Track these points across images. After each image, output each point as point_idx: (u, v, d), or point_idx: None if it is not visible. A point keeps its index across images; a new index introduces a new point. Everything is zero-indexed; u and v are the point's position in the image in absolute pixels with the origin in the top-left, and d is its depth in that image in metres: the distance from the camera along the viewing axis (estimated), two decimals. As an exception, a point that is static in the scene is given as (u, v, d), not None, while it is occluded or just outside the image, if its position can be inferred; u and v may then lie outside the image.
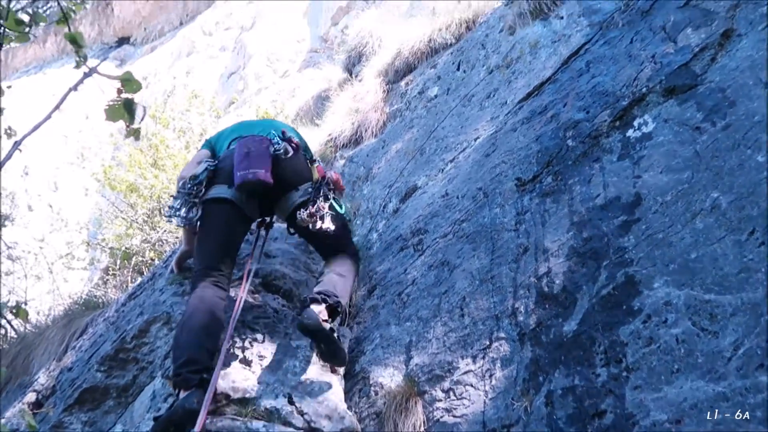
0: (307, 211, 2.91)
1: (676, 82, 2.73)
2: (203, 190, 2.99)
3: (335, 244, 3.12)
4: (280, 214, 3.19)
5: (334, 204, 3.03)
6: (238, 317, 2.82)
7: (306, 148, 3.45)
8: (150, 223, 7.33)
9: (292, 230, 3.20)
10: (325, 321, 2.71)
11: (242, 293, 2.93)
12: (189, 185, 2.97)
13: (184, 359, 2.51)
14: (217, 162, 3.08)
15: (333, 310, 2.81)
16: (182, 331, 2.64)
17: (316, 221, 2.90)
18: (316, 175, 3.12)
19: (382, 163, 4.83)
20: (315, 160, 3.28)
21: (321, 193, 2.99)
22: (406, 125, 4.99)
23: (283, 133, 3.10)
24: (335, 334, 2.78)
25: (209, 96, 10.98)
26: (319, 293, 2.81)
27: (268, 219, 3.32)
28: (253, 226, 3.31)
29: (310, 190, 3.06)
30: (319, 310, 2.71)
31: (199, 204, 2.97)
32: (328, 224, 2.91)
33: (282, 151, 2.96)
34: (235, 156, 2.94)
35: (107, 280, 7.07)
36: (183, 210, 2.96)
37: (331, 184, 3.10)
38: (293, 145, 3.06)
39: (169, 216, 2.98)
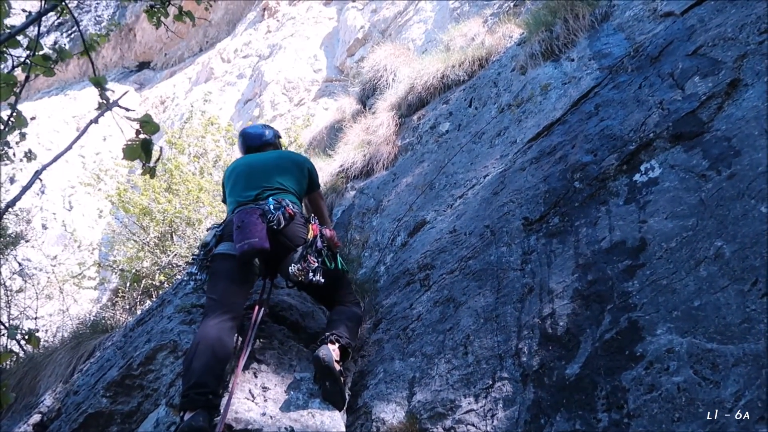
0: (297, 266, 3.09)
1: (683, 129, 2.77)
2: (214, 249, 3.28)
3: (333, 296, 3.31)
4: (282, 274, 3.34)
5: (326, 260, 3.21)
6: (249, 351, 2.93)
7: (310, 181, 3.73)
8: (161, 247, 7.41)
9: (290, 284, 3.35)
10: (338, 362, 2.89)
11: (252, 329, 3.02)
12: (202, 253, 3.31)
13: (193, 382, 2.63)
14: (223, 226, 3.36)
15: (344, 351, 3.00)
16: (192, 356, 2.74)
17: (306, 275, 3.07)
18: (311, 234, 3.27)
19: (392, 196, 4.88)
20: (310, 219, 3.41)
21: (313, 251, 3.18)
22: (417, 159, 5.05)
23: (280, 201, 3.27)
24: (342, 378, 2.94)
25: (225, 122, 11.17)
26: (332, 333, 2.99)
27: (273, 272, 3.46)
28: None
29: (303, 249, 3.21)
30: (333, 350, 2.91)
31: (208, 261, 3.27)
32: (318, 277, 3.09)
33: (275, 223, 3.16)
34: (233, 229, 3.18)
35: (116, 302, 7.12)
36: (199, 274, 3.28)
37: (325, 241, 3.28)
38: (288, 214, 3.22)
39: (188, 281, 3.34)
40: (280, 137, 4.06)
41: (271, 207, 3.21)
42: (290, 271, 3.10)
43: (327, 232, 3.34)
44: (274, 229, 3.15)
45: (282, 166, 3.59)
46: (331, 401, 2.89)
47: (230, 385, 2.75)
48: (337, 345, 2.94)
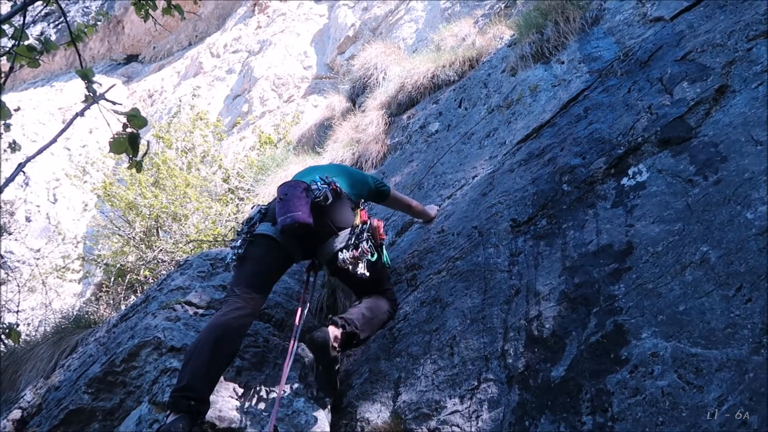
0: (351, 254, 2.89)
1: (670, 133, 2.79)
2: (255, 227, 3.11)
3: (370, 289, 3.08)
4: (321, 259, 3.14)
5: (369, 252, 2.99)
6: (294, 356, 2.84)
7: (361, 187, 3.44)
8: (146, 242, 7.35)
9: (329, 273, 3.18)
10: (335, 348, 2.71)
11: (296, 332, 2.95)
12: (246, 228, 3.12)
13: (184, 384, 2.51)
14: (268, 205, 3.22)
15: (348, 340, 2.82)
16: (191, 352, 2.63)
17: (357, 264, 2.89)
18: (358, 220, 3.09)
19: (380, 195, 4.86)
20: (360, 204, 3.24)
21: (363, 238, 2.96)
22: (406, 159, 5.05)
23: (326, 177, 3.10)
24: (337, 366, 2.80)
25: (213, 117, 11.08)
26: (341, 317, 2.82)
27: (314, 262, 3.28)
28: (295, 265, 3.34)
29: (350, 235, 3.01)
30: (335, 334, 2.71)
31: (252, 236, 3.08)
32: (363, 270, 2.89)
33: (321, 198, 2.96)
34: (276, 202, 3.02)
35: (100, 296, 7.06)
36: (240, 248, 3.04)
37: (370, 231, 3.04)
38: (335, 190, 3.04)
39: (229, 255, 3.08)
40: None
41: (319, 183, 3.02)
42: (340, 257, 2.88)
43: (374, 221, 3.10)
44: (321, 206, 2.94)
45: (340, 169, 3.46)
46: (321, 386, 2.82)
47: (277, 390, 2.65)
48: (340, 331, 2.75)
